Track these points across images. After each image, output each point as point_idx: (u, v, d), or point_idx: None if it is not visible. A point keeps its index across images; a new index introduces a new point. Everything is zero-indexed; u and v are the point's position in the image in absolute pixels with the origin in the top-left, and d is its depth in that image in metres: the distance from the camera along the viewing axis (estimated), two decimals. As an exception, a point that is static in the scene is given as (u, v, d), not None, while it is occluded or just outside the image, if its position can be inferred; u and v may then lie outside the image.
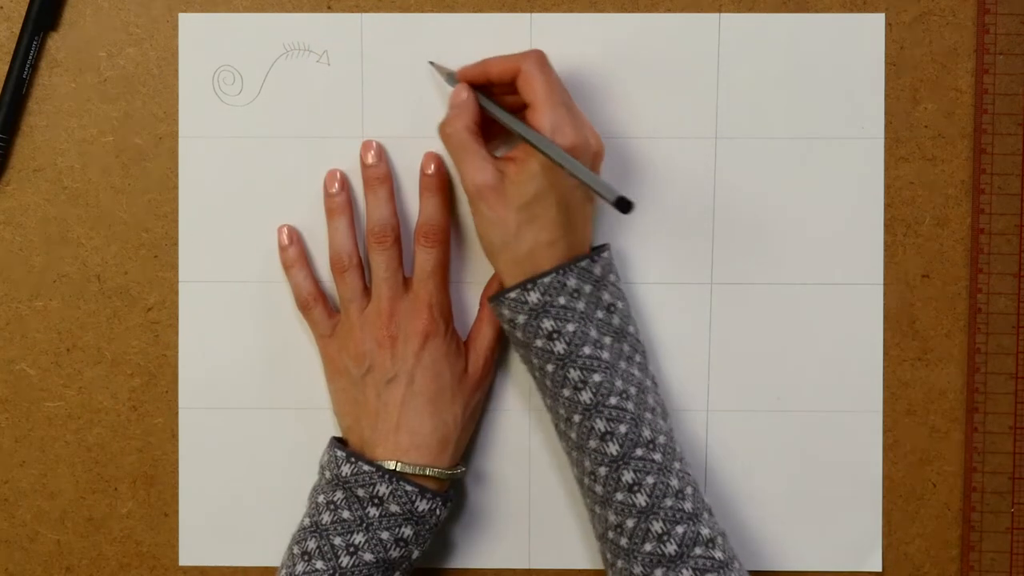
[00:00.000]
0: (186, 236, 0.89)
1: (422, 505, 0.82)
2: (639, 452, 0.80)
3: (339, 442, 0.86)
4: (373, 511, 0.82)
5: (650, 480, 0.80)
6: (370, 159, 0.88)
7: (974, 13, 0.89)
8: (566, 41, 0.88)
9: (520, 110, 0.83)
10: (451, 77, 0.86)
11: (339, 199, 0.88)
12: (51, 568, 0.91)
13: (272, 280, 0.89)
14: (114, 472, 0.90)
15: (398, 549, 0.82)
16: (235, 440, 0.90)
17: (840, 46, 0.89)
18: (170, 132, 0.89)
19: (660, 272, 0.89)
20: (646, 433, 0.81)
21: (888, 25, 0.89)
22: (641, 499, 0.80)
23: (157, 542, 0.91)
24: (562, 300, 0.81)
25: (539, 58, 0.82)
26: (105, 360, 0.90)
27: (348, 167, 0.89)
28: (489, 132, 0.85)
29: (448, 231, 0.87)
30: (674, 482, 0.80)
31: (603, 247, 0.85)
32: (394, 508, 0.82)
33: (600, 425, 0.80)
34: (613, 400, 0.80)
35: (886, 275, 0.90)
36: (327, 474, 0.84)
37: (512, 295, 0.82)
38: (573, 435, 0.82)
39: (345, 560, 0.81)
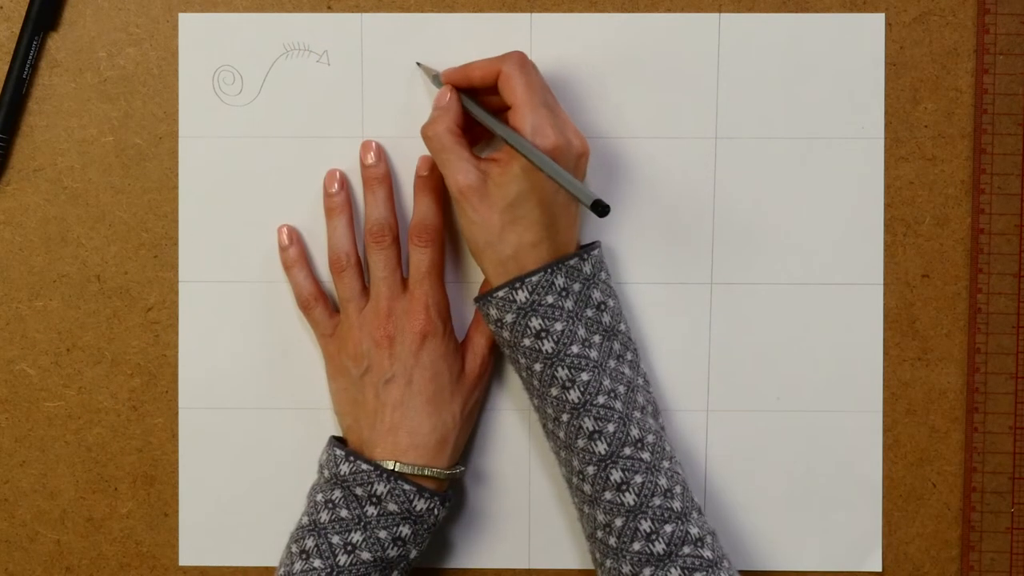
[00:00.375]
0: (186, 236, 0.89)
1: (420, 504, 0.82)
2: (627, 451, 0.80)
3: (338, 441, 0.86)
4: (371, 510, 0.82)
5: (638, 479, 0.80)
6: (369, 159, 0.88)
7: (974, 13, 0.89)
8: (566, 41, 0.88)
9: (505, 111, 0.83)
10: (437, 79, 0.86)
11: (338, 199, 0.88)
12: (51, 568, 0.91)
13: (272, 280, 0.89)
14: (114, 472, 0.90)
15: (396, 548, 0.82)
16: (235, 440, 0.90)
17: (840, 46, 0.88)
18: (170, 132, 0.89)
19: (660, 272, 0.89)
20: (634, 432, 0.81)
21: (888, 25, 0.89)
22: (629, 498, 0.80)
23: (157, 542, 0.91)
24: (550, 299, 0.81)
25: (520, 60, 0.82)
26: (105, 360, 0.90)
27: (348, 167, 0.89)
28: (476, 133, 0.85)
29: (442, 231, 0.87)
30: (662, 481, 0.80)
31: (593, 244, 0.85)
32: (392, 507, 0.82)
33: (588, 424, 0.80)
34: (601, 399, 0.80)
35: (886, 275, 0.90)
36: (325, 473, 0.84)
37: (500, 294, 0.82)
38: (561, 434, 0.82)
39: (343, 559, 0.81)
